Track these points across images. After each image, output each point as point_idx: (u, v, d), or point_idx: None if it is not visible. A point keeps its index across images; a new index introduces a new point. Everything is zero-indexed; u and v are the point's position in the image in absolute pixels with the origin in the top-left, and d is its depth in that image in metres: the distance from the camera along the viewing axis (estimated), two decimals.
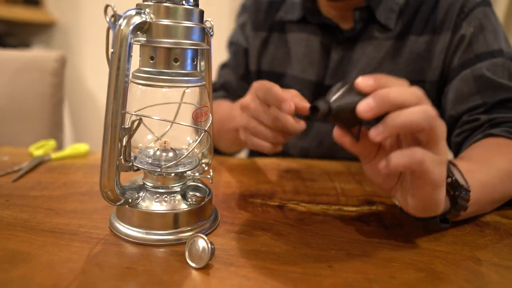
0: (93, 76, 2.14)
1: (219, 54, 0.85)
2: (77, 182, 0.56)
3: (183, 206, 0.42)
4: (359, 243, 0.42)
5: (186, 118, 0.42)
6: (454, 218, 0.43)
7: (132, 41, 0.36)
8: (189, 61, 0.40)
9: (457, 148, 0.65)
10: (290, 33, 0.80)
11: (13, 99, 1.07)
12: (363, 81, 0.35)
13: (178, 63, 0.39)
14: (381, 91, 0.34)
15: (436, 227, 0.44)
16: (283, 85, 0.48)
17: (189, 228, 0.42)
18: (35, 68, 1.08)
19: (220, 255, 0.39)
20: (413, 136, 0.36)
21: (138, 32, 0.37)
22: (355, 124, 0.37)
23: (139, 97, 0.41)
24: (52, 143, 0.70)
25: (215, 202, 0.51)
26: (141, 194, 0.42)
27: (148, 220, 0.41)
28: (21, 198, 0.50)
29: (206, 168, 0.49)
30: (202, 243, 0.37)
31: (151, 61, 0.39)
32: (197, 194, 0.43)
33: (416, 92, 0.35)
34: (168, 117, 0.43)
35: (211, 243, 0.36)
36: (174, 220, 0.41)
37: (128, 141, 0.38)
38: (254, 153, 0.88)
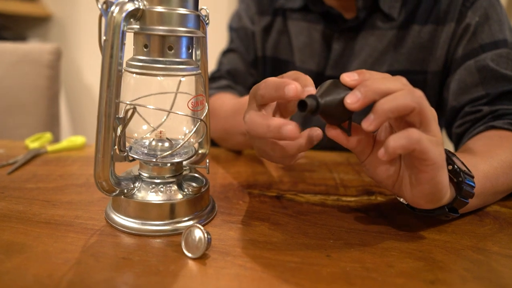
0: (89, 69, 2.14)
1: (216, 44, 0.83)
2: (73, 174, 0.56)
3: (179, 196, 0.41)
4: (357, 233, 0.42)
5: (182, 107, 0.42)
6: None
7: (125, 28, 0.35)
8: (184, 49, 0.39)
9: (458, 139, 0.64)
10: (290, 21, 0.78)
11: (8, 92, 1.06)
12: (348, 76, 0.36)
13: (173, 51, 0.38)
14: (366, 81, 0.35)
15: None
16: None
17: (185, 219, 0.41)
18: (30, 61, 1.07)
19: (217, 245, 0.38)
20: (406, 122, 0.37)
21: (131, 20, 0.37)
22: (344, 118, 0.38)
23: (134, 86, 0.40)
24: (48, 136, 0.69)
25: (212, 193, 0.51)
26: (136, 184, 0.41)
27: (144, 211, 0.40)
28: (17, 190, 0.49)
29: (203, 159, 0.49)
30: (198, 233, 0.36)
31: (145, 49, 0.38)
32: (194, 184, 0.42)
33: (400, 79, 0.36)
34: (164, 107, 0.43)
35: (208, 233, 0.36)
36: (171, 211, 0.41)
37: (123, 131, 0.38)
38: None
